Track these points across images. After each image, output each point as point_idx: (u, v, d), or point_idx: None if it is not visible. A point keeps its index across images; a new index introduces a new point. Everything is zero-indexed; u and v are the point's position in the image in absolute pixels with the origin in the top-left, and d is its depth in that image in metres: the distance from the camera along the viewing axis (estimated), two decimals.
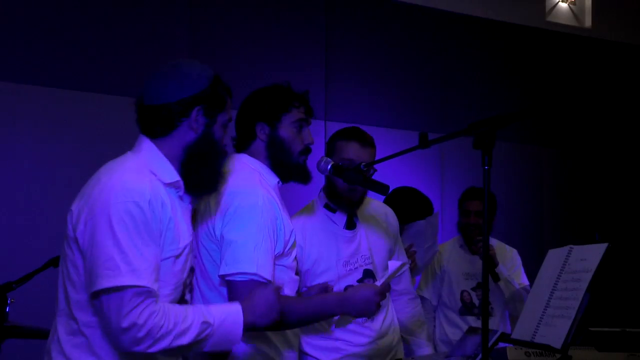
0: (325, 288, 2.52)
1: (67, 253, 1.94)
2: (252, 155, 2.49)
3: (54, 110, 4.39)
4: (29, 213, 4.26)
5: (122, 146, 2.13)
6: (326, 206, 2.95)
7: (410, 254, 3.70)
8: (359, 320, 2.84)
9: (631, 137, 6.49)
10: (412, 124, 5.50)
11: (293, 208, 2.91)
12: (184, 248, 2.02)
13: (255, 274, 2.22)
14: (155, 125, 2.02)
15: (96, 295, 1.83)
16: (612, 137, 6.43)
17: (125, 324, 1.79)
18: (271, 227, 2.32)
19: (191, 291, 2.14)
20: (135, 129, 2.10)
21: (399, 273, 2.50)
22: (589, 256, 2.22)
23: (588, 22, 6.45)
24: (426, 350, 3.22)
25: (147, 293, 1.82)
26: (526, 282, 4.18)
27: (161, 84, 2.01)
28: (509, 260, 4.22)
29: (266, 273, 2.25)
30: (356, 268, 2.92)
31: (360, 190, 2.86)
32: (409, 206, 3.99)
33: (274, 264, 2.32)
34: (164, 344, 1.83)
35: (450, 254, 4.27)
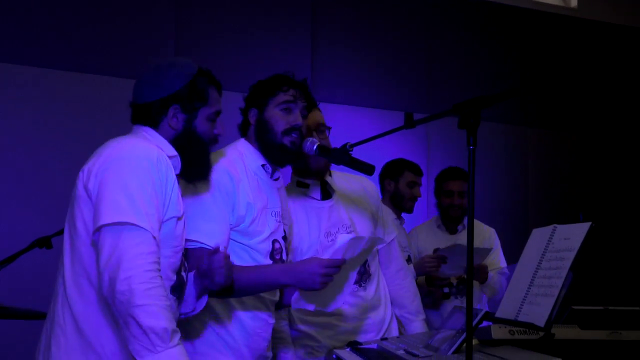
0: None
1: (75, 214, 2.00)
2: (248, 139, 2.63)
3: (44, 90, 4.37)
4: (14, 194, 4.24)
5: (117, 127, 2.27)
6: (298, 183, 2.97)
7: (434, 256, 3.81)
8: (351, 288, 2.77)
9: (617, 117, 6.52)
10: (398, 105, 5.51)
11: None
12: (183, 214, 2.12)
13: (202, 243, 2.36)
14: (144, 121, 2.17)
15: (98, 231, 1.88)
16: (598, 117, 6.45)
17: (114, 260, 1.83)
18: (226, 199, 2.42)
19: (186, 270, 2.19)
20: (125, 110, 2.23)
21: (364, 247, 2.43)
22: (573, 235, 2.23)
23: (574, 2, 6.45)
24: (417, 325, 3.24)
25: (147, 234, 1.88)
26: (504, 264, 4.19)
27: (143, 85, 2.17)
28: (486, 241, 4.22)
29: (211, 241, 2.33)
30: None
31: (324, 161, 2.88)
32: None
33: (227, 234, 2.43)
34: (133, 301, 1.80)
35: (427, 234, 4.27)
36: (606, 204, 6.26)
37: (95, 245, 1.90)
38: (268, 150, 2.57)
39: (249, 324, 2.52)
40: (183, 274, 2.15)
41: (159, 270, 1.89)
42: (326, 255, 2.36)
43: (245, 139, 2.64)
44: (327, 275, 2.31)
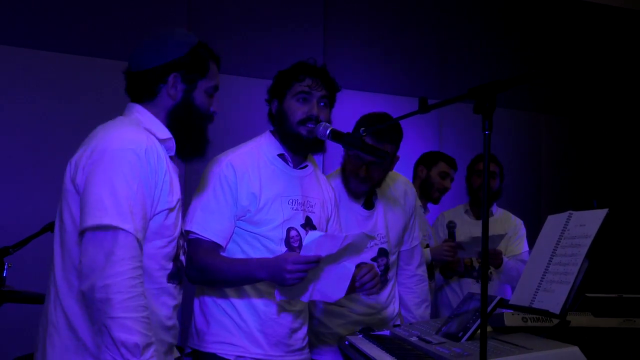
0: (370, 268, 2.54)
1: (63, 209, 1.97)
2: (273, 132, 2.68)
3: (51, 73, 4.36)
4: (26, 178, 4.24)
5: (118, 109, 2.18)
6: (347, 188, 3.01)
7: (452, 245, 3.85)
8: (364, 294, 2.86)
9: (630, 104, 6.46)
10: (410, 91, 5.48)
11: None
12: (177, 202, 2.08)
13: (199, 234, 2.48)
14: (140, 91, 2.11)
15: (82, 234, 1.85)
16: (611, 103, 6.40)
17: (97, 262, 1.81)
18: (229, 192, 2.50)
19: (185, 253, 2.18)
20: (123, 91, 2.17)
21: (351, 242, 2.35)
22: (589, 222, 2.20)
23: None
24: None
25: (130, 237, 1.84)
26: (526, 248, 4.21)
27: (143, 52, 2.10)
28: (513, 229, 4.24)
29: (208, 233, 2.46)
30: (371, 247, 2.97)
31: (365, 188, 2.95)
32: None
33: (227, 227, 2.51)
34: (109, 312, 1.79)
35: (455, 219, 4.28)
36: (619, 191, 6.22)
37: (79, 246, 1.88)
38: (286, 140, 2.61)
39: (262, 309, 2.53)
40: (182, 257, 2.14)
41: (141, 275, 1.87)
42: (362, 261, 2.39)
43: (269, 132, 2.69)
44: (296, 272, 2.27)
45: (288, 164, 2.63)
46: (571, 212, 2.33)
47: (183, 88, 2.11)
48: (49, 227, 2.99)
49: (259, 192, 2.52)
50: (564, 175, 6.22)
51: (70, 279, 1.93)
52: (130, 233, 1.84)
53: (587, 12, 6.32)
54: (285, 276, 2.27)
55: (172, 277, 2.08)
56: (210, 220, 2.47)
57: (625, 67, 6.41)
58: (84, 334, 1.89)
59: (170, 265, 2.07)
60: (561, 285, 2.13)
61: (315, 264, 2.29)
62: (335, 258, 2.37)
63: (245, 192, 2.51)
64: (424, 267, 3.34)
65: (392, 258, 3.11)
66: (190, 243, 2.41)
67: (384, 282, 3.05)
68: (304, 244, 2.30)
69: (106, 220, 1.82)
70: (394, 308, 3.15)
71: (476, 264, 4.13)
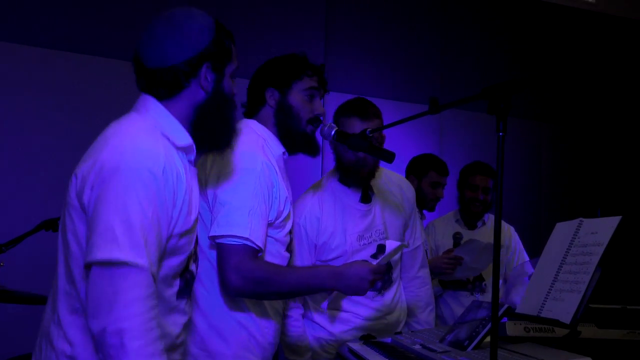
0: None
1: (66, 223, 1.75)
2: (260, 121, 2.46)
3: (53, 70, 4.31)
4: (21, 174, 4.18)
5: (121, 107, 1.97)
6: (341, 180, 2.91)
7: (451, 258, 3.73)
8: (369, 294, 2.83)
9: (631, 113, 6.43)
10: (411, 97, 5.44)
11: (298, 186, 2.86)
12: (194, 220, 1.89)
13: (247, 239, 2.18)
14: (161, 87, 1.85)
15: (88, 267, 1.64)
16: (613, 112, 6.37)
17: (105, 303, 1.59)
18: (267, 193, 2.27)
19: (196, 260, 1.98)
20: (131, 91, 1.95)
21: (397, 253, 2.44)
22: (601, 229, 2.14)
23: None
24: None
25: (143, 273, 1.63)
26: (526, 258, 4.15)
27: (163, 45, 1.82)
28: (508, 239, 4.17)
29: (258, 239, 2.20)
30: (370, 243, 2.89)
31: (369, 163, 2.80)
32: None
33: (267, 232, 2.28)
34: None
35: (446, 228, 4.21)
36: (619, 200, 6.18)
37: (86, 278, 1.65)
38: (289, 137, 2.44)
39: (273, 322, 2.44)
40: (192, 267, 1.94)
41: (157, 314, 1.66)
42: (361, 258, 2.33)
43: (257, 121, 2.47)
44: (374, 281, 2.25)
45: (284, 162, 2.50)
46: (582, 219, 2.27)
47: (213, 78, 1.89)
48: (44, 225, 2.93)
49: (288, 196, 2.39)
50: (564, 184, 6.18)
51: (76, 308, 1.73)
52: (145, 269, 1.63)
53: (590, 21, 6.30)
54: (365, 285, 2.23)
55: (181, 293, 1.89)
56: (257, 225, 2.21)
57: (626, 76, 6.39)
58: None
59: (176, 284, 1.87)
60: (572, 294, 2.07)
61: (384, 274, 2.31)
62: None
63: (282, 196, 2.33)
64: (426, 269, 3.24)
65: (394, 257, 3.01)
66: (236, 250, 2.18)
67: (387, 281, 2.98)
68: (386, 253, 2.30)
69: (117, 255, 1.60)
70: (399, 314, 3.04)
71: (471, 277, 4.07)
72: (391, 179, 3.07)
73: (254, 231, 2.19)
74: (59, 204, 1.82)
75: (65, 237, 1.76)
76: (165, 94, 1.86)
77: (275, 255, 2.37)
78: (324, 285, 2.26)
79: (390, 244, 2.33)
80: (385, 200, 2.99)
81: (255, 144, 2.34)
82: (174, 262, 1.82)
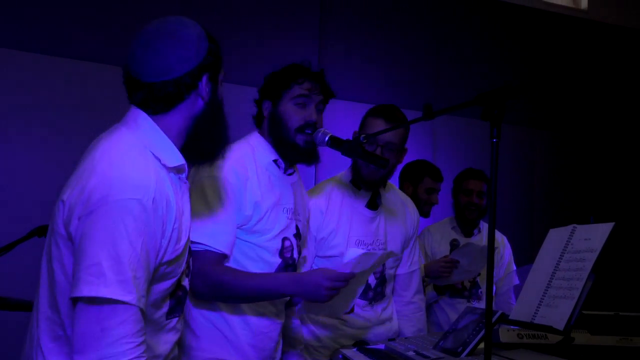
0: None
1: (52, 250, 1.69)
2: (261, 133, 2.54)
3: (41, 76, 4.29)
4: (13, 181, 4.16)
5: (117, 113, 1.93)
6: (352, 182, 2.95)
7: (448, 261, 3.72)
8: (360, 302, 2.86)
9: (624, 120, 6.45)
10: (405, 102, 5.41)
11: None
12: (185, 245, 1.83)
13: (207, 245, 2.26)
14: (160, 102, 1.77)
15: (74, 302, 1.59)
16: (605, 119, 6.39)
17: (91, 342, 1.55)
18: (232, 198, 2.33)
19: (188, 275, 1.94)
20: (121, 98, 1.90)
21: (375, 261, 2.39)
22: (594, 236, 2.15)
23: (584, 4, 6.39)
24: None
25: (132, 310, 1.58)
26: (517, 280, 4.15)
27: (166, 58, 1.74)
28: (502, 247, 4.18)
29: (220, 245, 2.28)
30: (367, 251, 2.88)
31: (382, 173, 2.85)
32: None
33: (234, 237, 2.35)
34: None
35: (442, 235, 4.21)
36: (612, 207, 6.19)
37: (72, 310, 1.60)
38: (280, 146, 2.48)
39: (255, 322, 2.45)
40: (185, 283, 1.89)
41: (145, 351, 1.62)
42: (334, 267, 2.30)
43: (258, 132, 2.54)
44: (332, 289, 2.25)
45: (280, 169, 2.51)
46: (575, 225, 2.28)
47: (210, 87, 1.83)
48: (36, 232, 2.91)
49: (260, 201, 2.40)
50: (558, 190, 6.19)
51: (59, 335, 1.68)
52: (133, 305, 1.57)
53: (582, 28, 6.33)
54: (322, 292, 2.23)
55: (172, 311, 1.84)
56: (219, 231, 2.29)
57: (620, 84, 6.41)
58: None
59: (166, 305, 1.82)
60: (565, 301, 2.07)
61: (347, 282, 2.27)
62: (362, 275, 2.38)
63: (250, 201, 2.37)
64: (421, 295, 3.22)
65: (389, 272, 3.02)
66: (198, 255, 2.23)
67: (379, 293, 2.97)
68: (345, 260, 2.28)
69: (104, 292, 1.54)
70: (390, 328, 3.03)
71: (467, 284, 4.07)
72: (398, 196, 3.12)
73: (213, 237, 2.27)
74: (51, 211, 1.80)
75: (50, 265, 1.70)
76: (162, 108, 1.78)
77: (255, 259, 2.41)
78: (285, 290, 2.31)
79: (352, 253, 2.32)
80: (390, 214, 3.02)
81: (235, 155, 2.38)
82: (163, 287, 1.78)
